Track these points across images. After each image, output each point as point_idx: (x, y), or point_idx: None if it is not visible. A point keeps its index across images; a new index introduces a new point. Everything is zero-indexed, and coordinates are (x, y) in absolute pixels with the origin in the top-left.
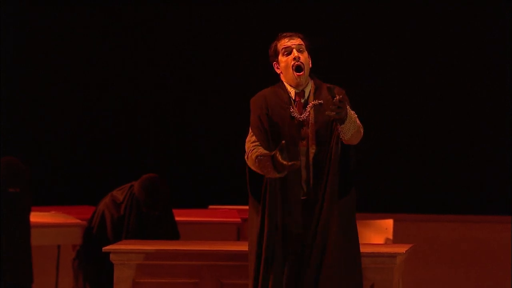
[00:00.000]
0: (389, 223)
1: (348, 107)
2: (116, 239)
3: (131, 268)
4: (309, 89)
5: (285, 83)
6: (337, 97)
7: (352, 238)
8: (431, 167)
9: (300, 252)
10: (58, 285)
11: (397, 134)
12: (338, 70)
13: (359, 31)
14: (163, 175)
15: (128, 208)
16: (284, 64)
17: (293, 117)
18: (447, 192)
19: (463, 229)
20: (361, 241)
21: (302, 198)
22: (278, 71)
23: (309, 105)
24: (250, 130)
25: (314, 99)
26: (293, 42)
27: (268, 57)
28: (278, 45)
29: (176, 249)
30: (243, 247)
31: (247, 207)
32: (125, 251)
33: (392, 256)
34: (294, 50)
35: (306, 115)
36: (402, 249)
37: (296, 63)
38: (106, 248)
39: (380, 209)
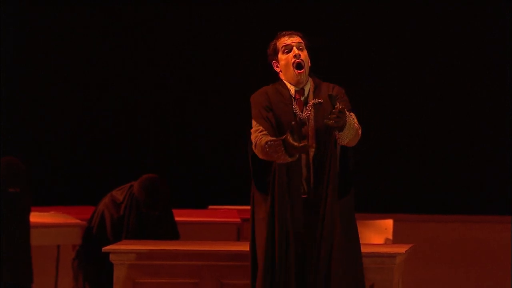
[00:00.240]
0: (389, 223)
1: (347, 110)
2: (116, 239)
3: (131, 268)
4: (308, 87)
5: (284, 81)
6: (338, 106)
7: (352, 238)
8: (431, 167)
9: (300, 252)
10: (57, 285)
11: (397, 134)
12: (338, 70)
13: (359, 31)
14: (163, 175)
15: (128, 208)
16: (284, 62)
17: (295, 114)
18: (447, 192)
19: (463, 229)
20: (361, 241)
21: (303, 196)
22: (277, 69)
23: (310, 104)
24: (254, 122)
25: (314, 97)
26: (293, 40)
27: (267, 57)
28: (278, 43)
29: (176, 249)
30: (243, 247)
31: (247, 207)
32: (125, 251)
33: (392, 256)
34: (294, 47)
35: (307, 113)
36: (402, 249)
37: (297, 60)
38: (106, 248)
39: (380, 209)
